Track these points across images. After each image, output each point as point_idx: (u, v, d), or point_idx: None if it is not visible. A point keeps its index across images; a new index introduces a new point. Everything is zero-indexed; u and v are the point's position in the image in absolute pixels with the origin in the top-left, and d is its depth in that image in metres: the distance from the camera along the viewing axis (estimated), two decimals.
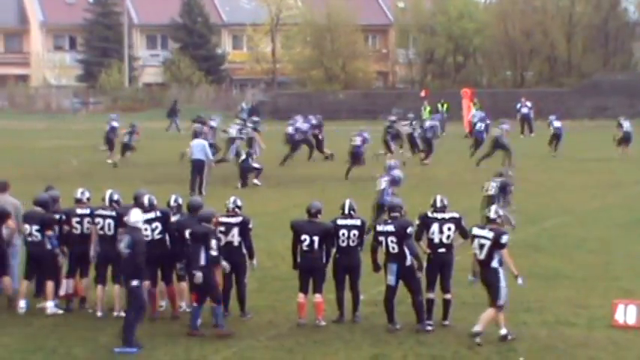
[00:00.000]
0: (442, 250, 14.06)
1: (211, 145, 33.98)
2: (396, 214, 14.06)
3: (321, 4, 76.45)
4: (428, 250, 14.13)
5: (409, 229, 13.82)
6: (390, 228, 13.85)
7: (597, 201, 26.49)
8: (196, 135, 31.99)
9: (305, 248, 14.13)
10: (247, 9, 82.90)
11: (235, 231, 14.43)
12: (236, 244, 14.43)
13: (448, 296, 14.18)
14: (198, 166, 28.19)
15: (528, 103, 50.57)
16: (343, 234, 14.20)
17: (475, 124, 40.67)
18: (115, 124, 38.79)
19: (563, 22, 74.89)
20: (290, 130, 36.79)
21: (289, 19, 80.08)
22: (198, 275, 13.60)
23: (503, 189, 20.89)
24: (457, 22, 76.37)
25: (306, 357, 12.80)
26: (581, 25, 75.32)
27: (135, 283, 13.23)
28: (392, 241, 13.79)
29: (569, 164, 35.81)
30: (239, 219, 14.48)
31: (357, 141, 32.69)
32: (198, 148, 28.64)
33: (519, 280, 13.43)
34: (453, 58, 78.71)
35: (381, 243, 13.93)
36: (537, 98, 54.53)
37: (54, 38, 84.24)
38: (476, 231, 13.60)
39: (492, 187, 20.83)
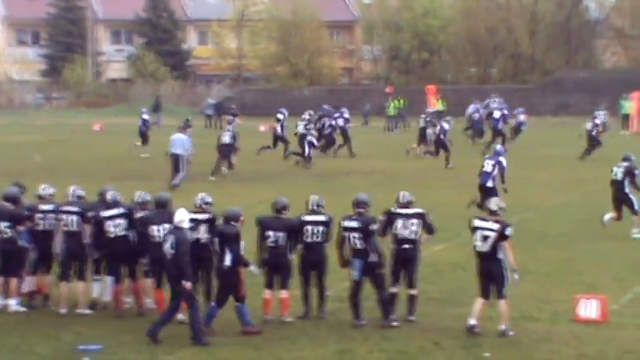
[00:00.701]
0: (407, 245, 14.09)
1: (281, 139, 35.52)
2: (361, 209, 14.07)
3: (286, 0, 76.43)
4: (392, 246, 14.16)
5: (372, 226, 13.83)
6: (354, 224, 13.87)
7: (560, 197, 26.71)
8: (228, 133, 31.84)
9: (271, 244, 14.13)
10: (213, 4, 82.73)
11: (203, 228, 14.38)
12: (204, 240, 14.38)
13: (413, 292, 14.21)
14: (175, 160, 28.39)
15: (497, 99, 50.99)
16: (309, 230, 14.23)
17: (471, 115, 41.55)
18: (145, 116, 39.96)
19: (526, 20, 75.44)
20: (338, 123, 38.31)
21: (255, 15, 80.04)
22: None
23: (630, 173, 21.10)
24: (422, 18, 76.67)
25: (272, 353, 12.81)
26: (545, 23, 75.93)
27: (184, 283, 13.15)
28: (355, 237, 13.82)
29: (532, 160, 36.06)
30: (207, 215, 14.43)
31: (437, 130, 35.00)
32: (178, 142, 28.68)
33: (515, 275, 13.50)
34: (418, 55, 78.99)
35: (345, 239, 13.95)
36: (501, 95, 54.83)
37: (16, 33, 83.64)
38: (478, 223, 13.55)
39: (619, 172, 21.22)
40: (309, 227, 14.22)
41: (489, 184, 22.27)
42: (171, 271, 13.27)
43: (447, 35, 76.85)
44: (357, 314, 13.97)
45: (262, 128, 52.17)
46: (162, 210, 14.38)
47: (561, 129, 49.18)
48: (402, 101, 54.06)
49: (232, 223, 13.70)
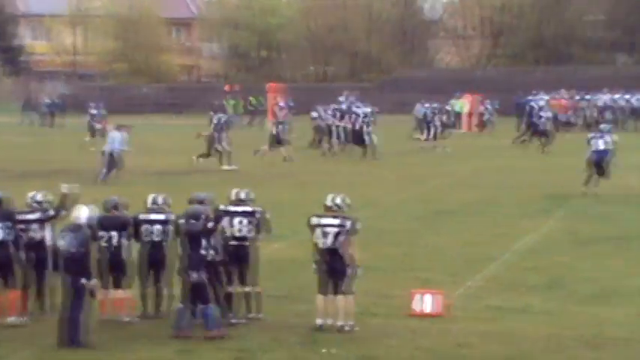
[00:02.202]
0: (235, 243, 13.99)
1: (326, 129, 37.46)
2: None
3: None
4: (222, 243, 14.10)
5: (210, 224, 13.75)
6: None
7: (397, 194, 27.24)
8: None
9: (103, 244, 13.88)
10: None
11: (35, 226, 14.06)
12: (38, 239, 14.06)
13: (250, 289, 14.20)
14: (114, 157, 29.54)
15: (351, 98, 51.49)
16: (146, 229, 14.08)
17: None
18: (93, 111, 42.41)
19: (363, 19, 76.66)
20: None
21: (92, 11, 78.64)
22: (195, 276, 13.20)
23: None
24: (261, 16, 76.98)
25: (108, 354, 12.61)
26: (381, 22, 77.32)
27: (83, 281, 12.74)
28: None
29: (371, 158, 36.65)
30: (37, 215, 14.11)
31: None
32: (117, 139, 29.77)
33: (359, 271, 13.65)
34: (257, 53, 79.20)
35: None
36: (340, 94, 55.43)
37: None
38: (317, 220, 13.57)
39: None
40: (147, 226, 14.09)
41: (605, 159, 25.86)
42: (71, 269, 12.86)
43: (286, 33, 77.33)
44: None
45: (98, 126, 51.26)
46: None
47: (398, 127, 50.02)
48: (259, 99, 53.83)
49: (192, 221, 13.40)
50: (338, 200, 13.78)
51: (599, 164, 25.90)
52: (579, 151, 36.94)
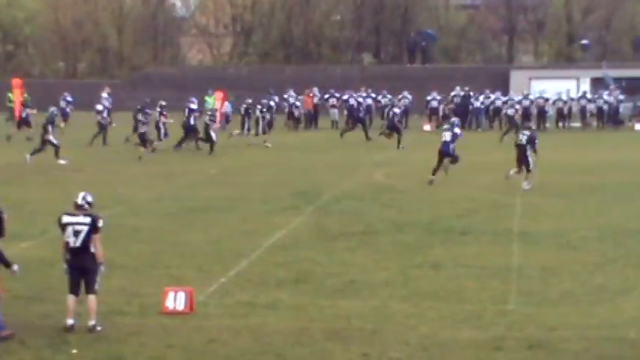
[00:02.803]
0: None
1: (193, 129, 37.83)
2: None
3: None
4: None
5: None
6: None
7: (150, 191, 27.09)
8: None
9: None
10: None
11: None
12: None
13: None
14: None
15: (105, 94, 50.09)
16: None
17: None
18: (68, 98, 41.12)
19: (114, 15, 75.59)
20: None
21: None
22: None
23: (532, 140, 26.49)
24: (6, 9, 74.41)
25: None
26: (132, 18, 76.52)
27: None
28: None
29: (125, 155, 36.28)
30: None
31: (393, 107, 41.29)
32: None
33: (102, 267, 13.48)
34: (3, 47, 76.55)
35: None
36: (89, 90, 54.48)
37: None
38: (68, 219, 13.37)
39: (523, 138, 26.54)
40: None
41: (450, 150, 27.97)
42: None
43: (33, 27, 75.14)
44: None
45: None
46: None
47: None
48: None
49: None
50: (89, 198, 13.66)
51: (446, 153, 28.03)
52: (335, 147, 38.01)
